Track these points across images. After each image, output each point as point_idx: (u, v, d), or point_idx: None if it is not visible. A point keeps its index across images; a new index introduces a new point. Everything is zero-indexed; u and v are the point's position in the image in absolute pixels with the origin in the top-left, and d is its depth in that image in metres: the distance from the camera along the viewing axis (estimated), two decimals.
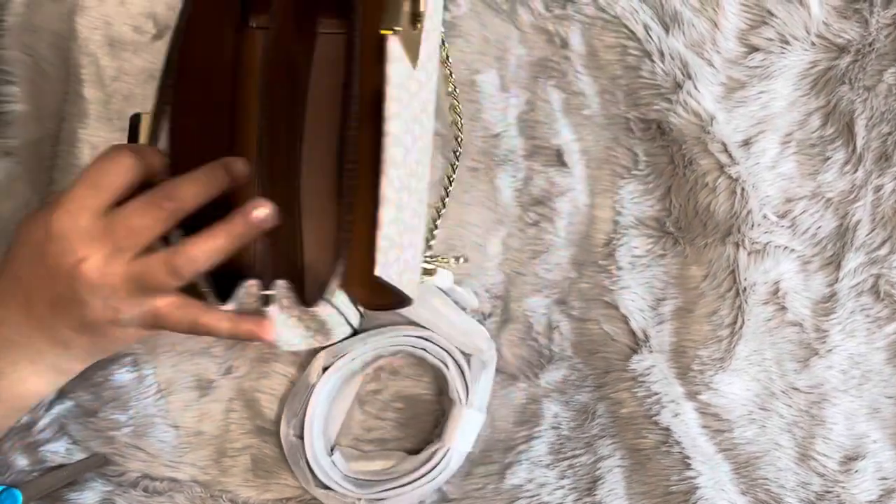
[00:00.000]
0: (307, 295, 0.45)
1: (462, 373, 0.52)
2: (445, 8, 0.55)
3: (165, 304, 0.40)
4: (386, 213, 0.37)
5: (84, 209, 0.38)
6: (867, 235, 0.55)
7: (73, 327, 0.39)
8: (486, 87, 0.55)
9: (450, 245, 0.55)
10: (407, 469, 0.51)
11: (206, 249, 0.39)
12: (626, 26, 0.55)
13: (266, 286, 0.43)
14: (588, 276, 0.56)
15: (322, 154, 0.47)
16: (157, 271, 0.38)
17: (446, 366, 0.52)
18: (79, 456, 0.53)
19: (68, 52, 0.54)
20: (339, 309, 0.48)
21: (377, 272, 0.37)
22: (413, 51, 0.41)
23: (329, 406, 0.53)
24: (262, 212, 0.40)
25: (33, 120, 0.52)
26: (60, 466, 0.53)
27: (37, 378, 0.41)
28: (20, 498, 0.50)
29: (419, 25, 0.41)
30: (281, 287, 0.43)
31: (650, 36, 0.55)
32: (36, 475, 0.52)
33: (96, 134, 0.53)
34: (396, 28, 0.38)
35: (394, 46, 0.39)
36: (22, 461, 0.52)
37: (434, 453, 0.51)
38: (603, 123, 0.56)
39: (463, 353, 0.52)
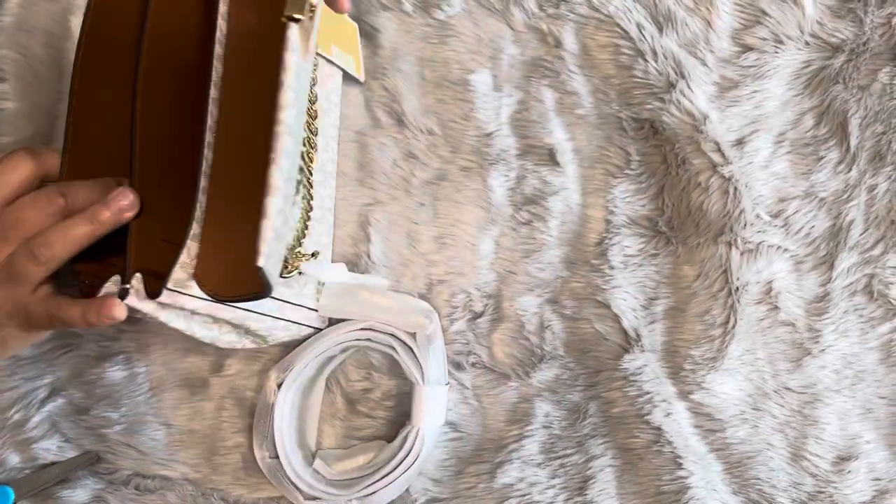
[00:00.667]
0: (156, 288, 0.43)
1: (412, 353, 0.51)
2: (439, 7, 0.56)
3: (33, 298, 0.40)
4: (274, 203, 0.37)
5: None
6: (860, 235, 0.55)
7: None
8: (480, 86, 0.55)
9: (441, 244, 0.55)
10: (386, 458, 0.51)
11: (67, 234, 0.39)
12: (619, 25, 0.55)
13: (127, 280, 0.42)
14: (580, 276, 0.56)
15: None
16: (18, 256, 0.39)
17: (395, 350, 0.52)
18: (71, 453, 0.53)
19: (62, 51, 0.54)
20: (262, 312, 0.48)
21: (260, 263, 0.37)
22: (306, 41, 0.41)
23: (297, 419, 0.53)
24: (125, 200, 0.40)
25: (25, 118, 0.53)
26: (52, 464, 0.53)
27: None
28: (12, 495, 0.50)
29: (313, 16, 0.41)
30: (137, 280, 0.42)
31: (643, 35, 0.55)
32: (28, 472, 0.53)
33: None
34: (300, 17, 0.38)
35: (293, 35, 0.38)
36: (14, 458, 0.52)
37: (407, 437, 0.51)
38: (596, 123, 0.56)
39: (408, 332, 0.52)
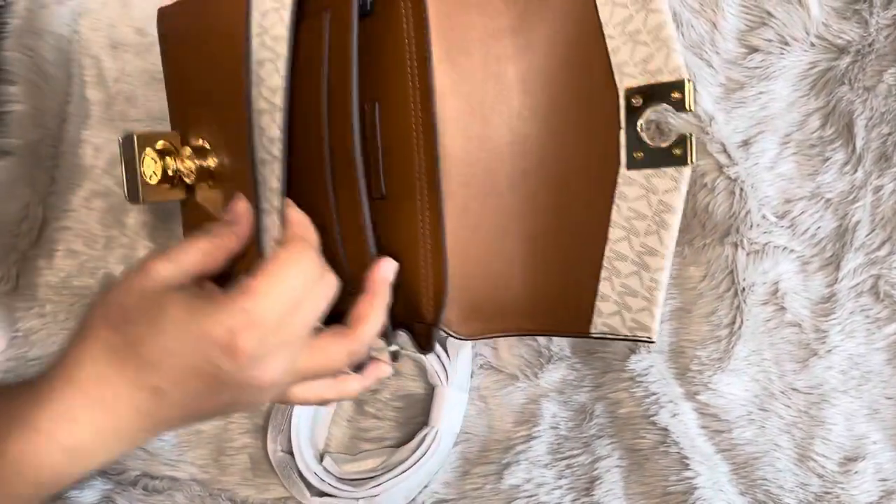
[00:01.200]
0: (425, 341, 0.45)
1: (438, 356, 0.52)
2: None
3: (300, 384, 0.38)
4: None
5: (280, 330, 0.33)
6: (867, 236, 0.55)
7: (191, 412, 0.35)
8: None
9: None
10: (400, 459, 0.52)
11: (375, 328, 0.38)
12: None
13: (391, 340, 0.42)
14: None
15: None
16: (338, 363, 0.37)
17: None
18: None
19: (71, 53, 0.54)
20: None
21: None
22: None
23: (313, 415, 0.53)
24: (390, 270, 0.39)
25: (33, 120, 0.53)
26: None
27: (90, 445, 0.34)
28: None
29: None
30: (403, 338, 0.43)
31: None
32: None
33: (99, 135, 0.54)
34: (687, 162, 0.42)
35: (686, 179, 0.44)
36: None
37: (424, 437, 0.52)
38: None
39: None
